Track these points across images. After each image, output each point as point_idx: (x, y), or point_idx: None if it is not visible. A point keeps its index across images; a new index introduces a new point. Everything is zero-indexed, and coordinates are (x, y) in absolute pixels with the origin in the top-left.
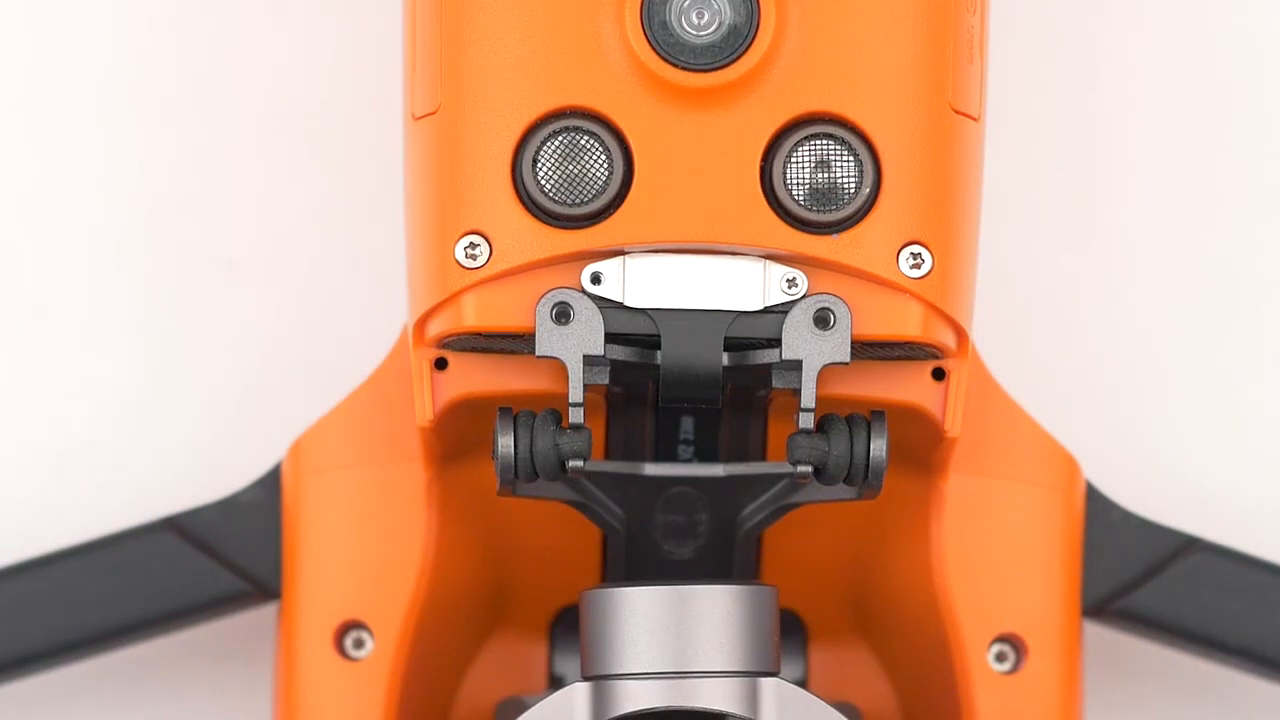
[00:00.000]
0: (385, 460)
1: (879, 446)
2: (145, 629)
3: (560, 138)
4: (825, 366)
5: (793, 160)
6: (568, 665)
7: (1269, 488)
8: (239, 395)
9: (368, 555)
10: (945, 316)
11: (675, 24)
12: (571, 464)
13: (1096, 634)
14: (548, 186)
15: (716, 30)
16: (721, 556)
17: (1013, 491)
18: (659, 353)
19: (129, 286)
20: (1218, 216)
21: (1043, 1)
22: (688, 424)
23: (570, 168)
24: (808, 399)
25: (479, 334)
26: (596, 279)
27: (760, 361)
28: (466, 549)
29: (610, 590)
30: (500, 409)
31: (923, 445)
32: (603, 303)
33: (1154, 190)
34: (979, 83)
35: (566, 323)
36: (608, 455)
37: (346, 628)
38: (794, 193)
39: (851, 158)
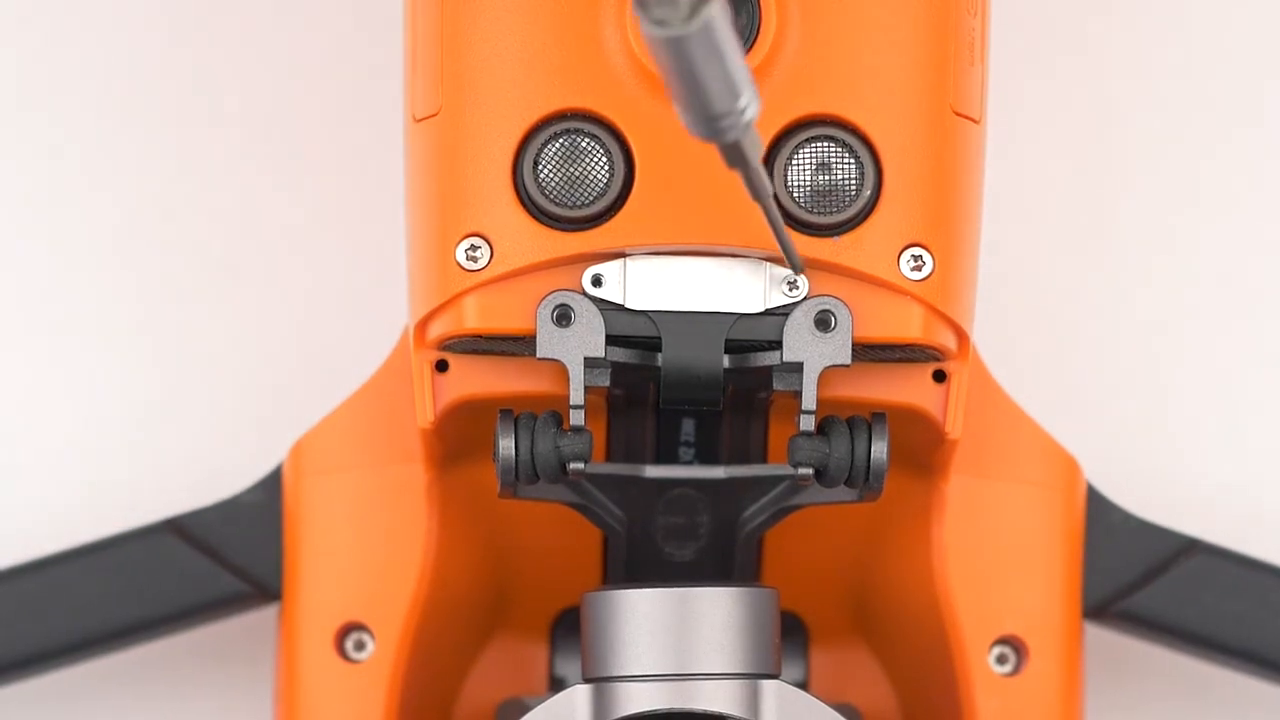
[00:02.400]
0: (386, 462)
1: (880, 448)
2: (146, 631)
3: (561, 140)
4: (826, 368)
5: (794, 162)
6: (569, 667)
7: (1269, 489)
8: (240, 397)
9: (369, 557)
10: (946, 318)
11: None
12: (572, 466)
13: (1097, 636)
14: (549, 188)
15: None
16: (722, 558)
17: (1013, 493)
18: (660, 355)
19: (129, 286)
20: (1218, 217)
21: (1043, 3)
22: (688, 426)
23: (571, 170)
24: (809, 401)
25: (480, 336)
26: (597, 281)
27: (761, 364)
28: (467, 551)
29: (611, 592)
30: (501, 411)
31: (924, 447)
32: (604, 305)
33: (1154, 190)
34: (980, 85)
35: (567, 325)
36: (608, 457)
37: (347, 629)
38: (795, 195)
39: (852, 160)
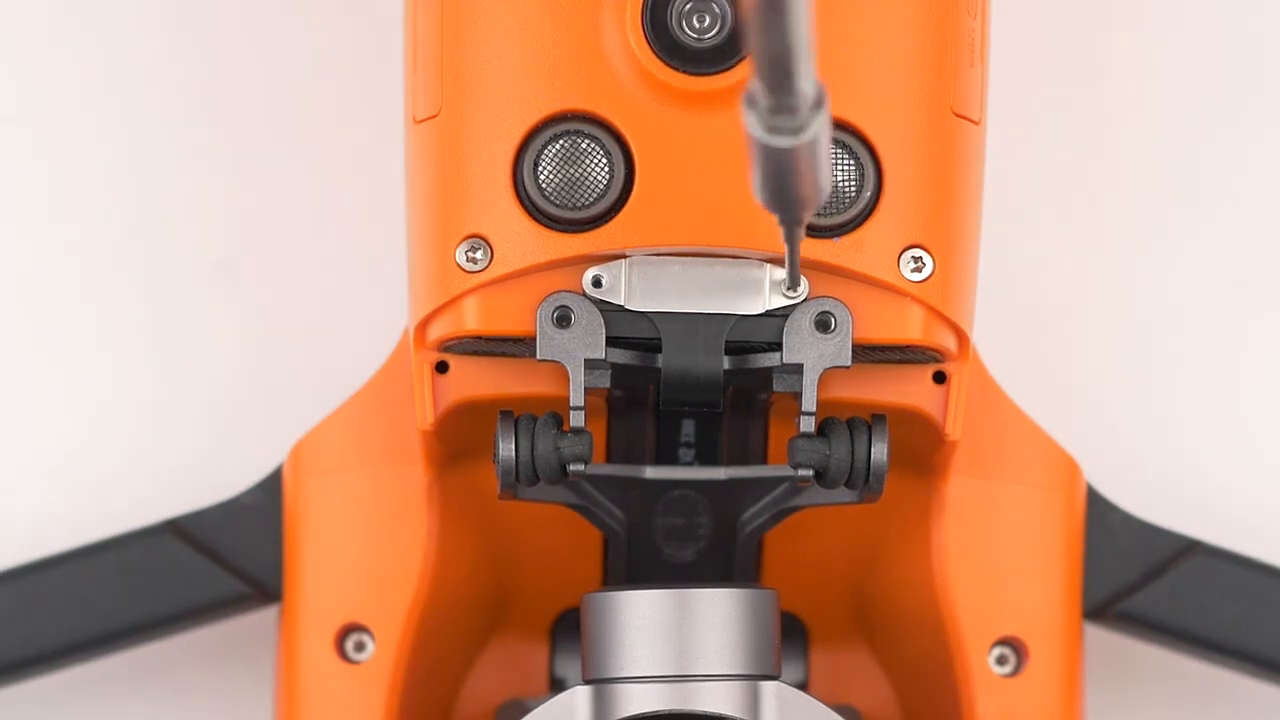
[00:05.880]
0: (386, 463)
1: (880, 450)
2: (146, 632)
3: (561, 141)
4: (826, 370)
5: None
6: (569, 668)
7: (1269, 490)
8: (240, 397)
9: (369, 558)
10: (946, 320)
11: (676, 27)
12: (572, 467)
13: (1097, 637)
14: (549, 190)
15: (717, 34)
16: (722, 559)
17: (1014, 494)
18: (660, 356)
19: (129, 286)
20: (1218, 217)
21: (1043, 4)
22: (689, 427)
23: (571, 171)
24: (809, 402)
25: (480, 337)
26: (598, 282)
27: (761, 365)
28: (467, 552)
29: (611, 593)
30: (501, 412)
31: (924, 448)
32: (604, 306)
33: (1154, 190)
34: (980, 86)
35: (567, 326)
36: (608, 458)
37: (347, 630)
38: None
39: (853, 161)
